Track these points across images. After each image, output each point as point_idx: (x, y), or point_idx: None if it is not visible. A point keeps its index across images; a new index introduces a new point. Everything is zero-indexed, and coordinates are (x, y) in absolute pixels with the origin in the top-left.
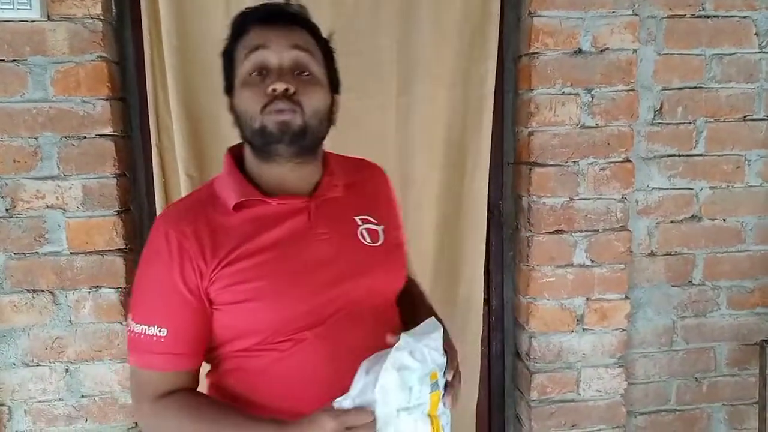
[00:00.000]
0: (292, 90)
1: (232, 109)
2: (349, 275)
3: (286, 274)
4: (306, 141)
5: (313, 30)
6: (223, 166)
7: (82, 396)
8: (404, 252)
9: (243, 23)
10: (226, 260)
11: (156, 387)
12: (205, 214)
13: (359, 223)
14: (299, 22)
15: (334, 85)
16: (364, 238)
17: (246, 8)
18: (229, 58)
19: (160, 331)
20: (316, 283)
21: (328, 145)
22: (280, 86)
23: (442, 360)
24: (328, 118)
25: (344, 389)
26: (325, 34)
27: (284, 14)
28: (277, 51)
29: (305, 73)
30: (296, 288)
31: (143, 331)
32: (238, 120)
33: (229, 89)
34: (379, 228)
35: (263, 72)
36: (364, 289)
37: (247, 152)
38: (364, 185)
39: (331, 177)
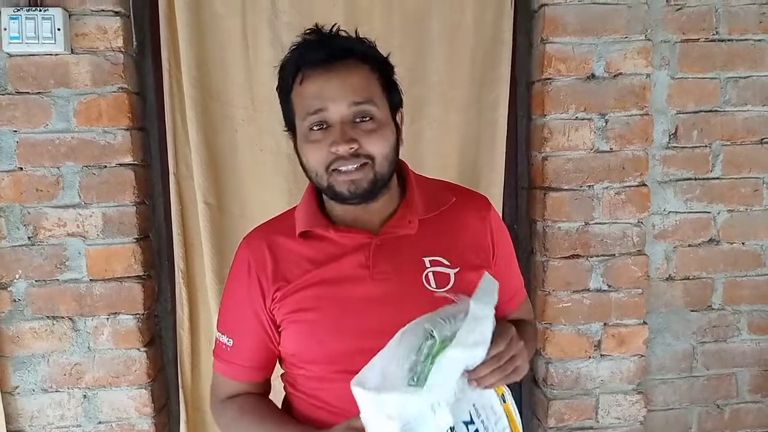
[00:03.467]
0: (356, 147)
1: (296, 148)
2: (403, 320)
3: (332, 313)
4: (377, 188)
5: (368, 55)
6: (305, 192)
7: (99, 422)
8: None
9: (296, 68)
10: (284, 289)
11: (224, 389)
12: (276, 238)
13: (427, 265)
14: (353, 54)
15: (395, 104)
16: (428, 283)
17: (296, 47)
18: (285, 97)
19: (228, 340)
20: (362, 325)
21: None
22: (343, 149)
23: (492, 311)
24: (397, 147)
25: None
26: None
27: (335, 53)
28: (335, 110)
29: (367, 118)
30: (339, 329)
31: (219, 338)
32: (303, 166)
33: (290, 127)
34: (451, 272)
35: (324, 125)
36: None
37: None
38: (448, 220)
39: (406, 210)
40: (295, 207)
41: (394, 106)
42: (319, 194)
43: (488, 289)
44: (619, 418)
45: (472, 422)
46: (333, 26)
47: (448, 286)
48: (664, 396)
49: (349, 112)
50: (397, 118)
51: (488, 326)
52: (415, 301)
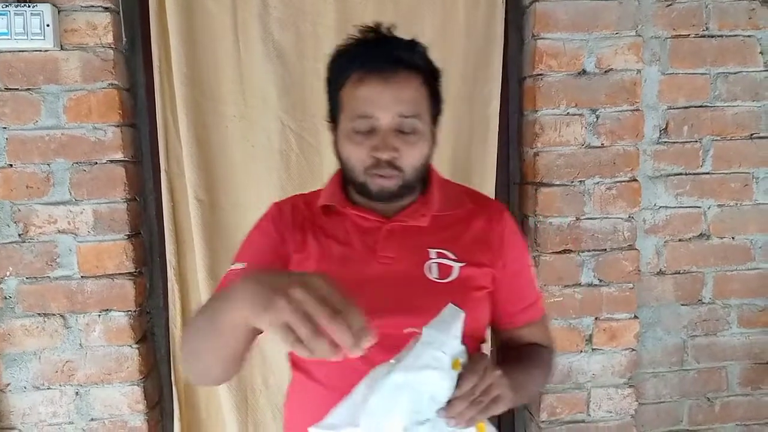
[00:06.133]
0: (396, 156)
1: (335, 141)
2: (399, 306)
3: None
4: (403, 192)
5: (422, 67)
6: (333, 175)
7: (92, 419)
8: (483, 296)
9: (352, 69)
10: (302, 246)
11: None
12: (302, 206)
13: (432, 256)
14: (409, 66)
15: (436, 114)
16: (430, 272)
17: (354, 44)
18: (334, 91)
19: (241, 265)
20: (359, 305)
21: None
22: (383, 156)
23: (460, 345)
24: (429, 157)
25: None
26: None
27: (393, 63)
28: (384, 119)
29: (410, 131)
30: None
31: (230, 269)
32: (339, 158)
33: (332, 118)
34: (456, 265)
35: (367, 129)
36: (412, 325)
37: None
38: (461, 221)
39: (422, 205)
40: (321, 189)
41: (435, 115)
42: (344, 177)
43: (447, 317)
44: (611, 412)
45: None
46: (389, 28)
47: (450, 278)
48: (655, 389)
49: (396, 122)
50: (436, 128)
51: (442, 352)
52: (413, 287)
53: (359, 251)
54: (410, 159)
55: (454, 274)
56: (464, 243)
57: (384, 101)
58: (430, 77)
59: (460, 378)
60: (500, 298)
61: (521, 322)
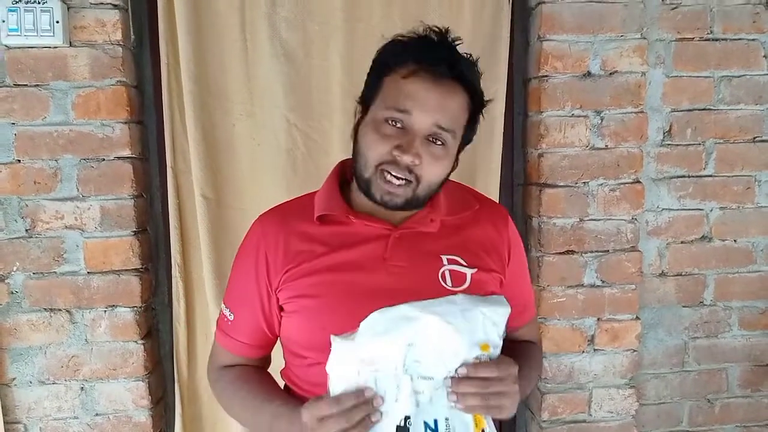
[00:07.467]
0: (417, 163)
1: (356, 126)
2: None
3: (343, 299)
4: (408, 206)
5: (474, 87)
6: (328, 176)
7: (97, 414)
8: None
9: (408, 58)
10: (294, 270)
11: (222, 359)
12: (292, 220)
13: (445, 262)
14: (464, 80)
15: (467, 140)
16: (444, 280)
17: (417, 38)
18: (378, 74)
19: (230, 314)
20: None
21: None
22: (406, 159)
23: (498, 339)
24: (445, 180)
25: None
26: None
27: (451, 70)
28: (420, 120)
29: (440, 143)
30: (346, 317)
31: (222, 309)
32: (355, 145)
33: (364, 101)
34: (468, 271)
35: (399, 124)
36: None
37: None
38: (468, 224)
39: (430, 211)
40: (314, 192)
41: (465, 141)
42: (341, 179)
43: (491, 301)
44: (612, 412)
45: (435, 430)
46: (454, 37)
47: (464, 286)
48: (656, 390)
49: (430, 129)
50: (460, 154)
51: (484, 327)
52: (429, 296)
53: (368, 260)
54: (430, 173)
55: (467, 281)
56: (473, 248)
57: (428, 103)
58: (477, 102)
59: (483, 364)
60: None
61: (522, 323)
